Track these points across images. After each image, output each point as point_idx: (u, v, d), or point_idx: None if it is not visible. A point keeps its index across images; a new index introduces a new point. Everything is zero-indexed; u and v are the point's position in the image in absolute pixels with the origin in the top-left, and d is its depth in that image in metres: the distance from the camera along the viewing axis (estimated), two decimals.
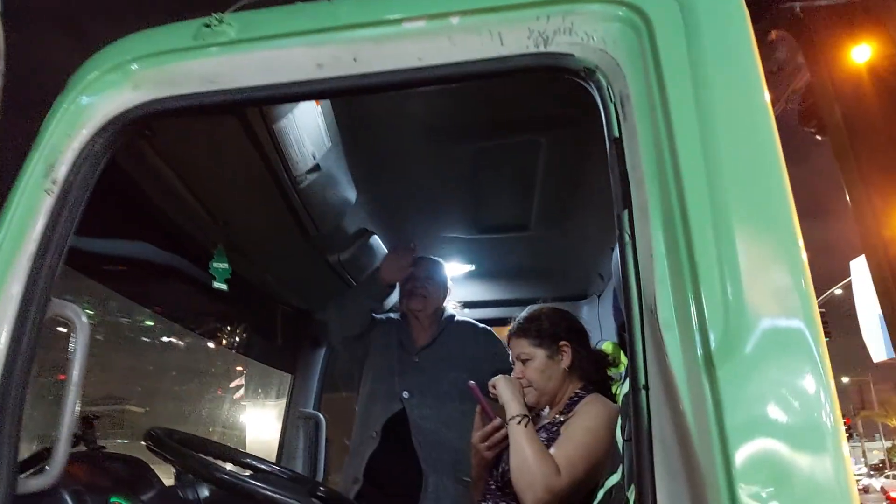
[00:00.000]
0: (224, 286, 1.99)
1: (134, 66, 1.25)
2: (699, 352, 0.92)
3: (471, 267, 2.96)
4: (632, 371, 1.02)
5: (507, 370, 2.13)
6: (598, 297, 3.06)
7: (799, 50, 1.52)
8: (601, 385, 2.06)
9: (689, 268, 0.97)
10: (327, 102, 1.68)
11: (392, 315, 2.74)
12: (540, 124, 1.89)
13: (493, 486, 1.98)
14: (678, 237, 0.99)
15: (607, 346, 2.46)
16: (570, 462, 1.75)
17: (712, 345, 0.92)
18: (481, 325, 2.69)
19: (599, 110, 1.15)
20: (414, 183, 2.20)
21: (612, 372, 2.15)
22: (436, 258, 2.68)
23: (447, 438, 2.36)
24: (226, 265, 1.99)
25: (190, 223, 1.99)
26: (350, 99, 1.70)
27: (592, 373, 2.05)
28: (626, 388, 1.44)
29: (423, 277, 2.60)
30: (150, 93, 1.24)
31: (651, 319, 0.99)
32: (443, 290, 2.65)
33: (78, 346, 1.16)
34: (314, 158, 1.72)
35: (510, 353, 2.10)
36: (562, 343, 2.00)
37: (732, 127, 1.06)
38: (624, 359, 2.47)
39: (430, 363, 2.52)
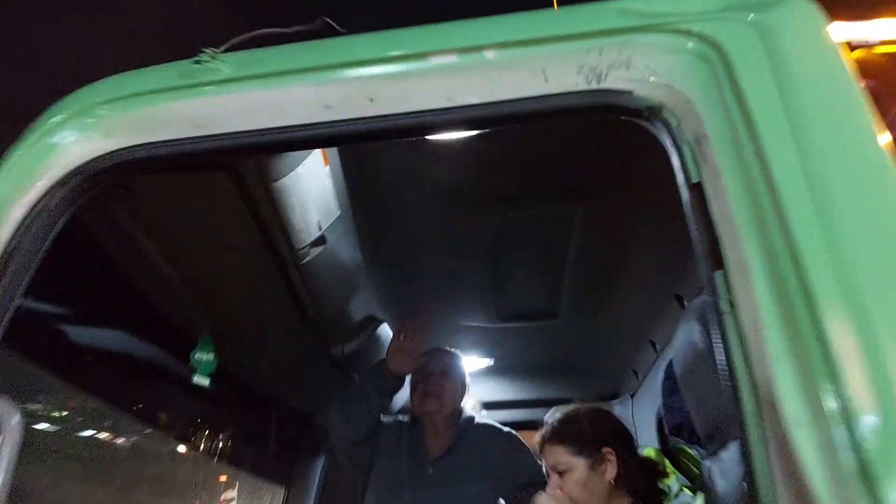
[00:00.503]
0: (206, 382, 1.72)
1: (106, 110, 1.04)
2: (850, 458, 0.66)
3: (489, 362, 2.68)
4: (750, 489, 0.74)
5: (538, 482, 1.82)
6: (632, 396, 2.75)
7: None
8: (652, 500, 1.73)
9: (815, 339, 0.72)
10: (337, 164, 1.48)
11: (401, 418, 2.42)
12: (575, 192, 1.68)
13: None
14: (793, 300, 0.74)
15: (649, 453, 2.14)
16: None
17: (868, 445, 0.65)
18: (506, 429, 2.35)
19: (670, 154, 0.94)
20: (430, 260, 1.96)
21: (661, 484, 1.83)
22: (452, 350, 2.39)
23: None
24: (210, 356, 1.72)
25: (169, 303, 1.72)
26: (362, 163, 1.51)
27: (642, 485, 1.73)
28: None
29: (439, 373, 2.28)
30: (124, 140, 1.03)
31: (771, 415, 0.72)
32: (461, 388, 2.33)
33: (3, 455, 0.89)
34: (320, 228, 1.50)
35: (543, 462, 1.79)
36: (605, 450, 1.70)
37: (841, 161, 0.84)
38: (671, 468, 2.14)
39: (447, 475, 2.17)
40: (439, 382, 2.27)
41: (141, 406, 2.00)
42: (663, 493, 1.82)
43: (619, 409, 2.80)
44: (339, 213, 1.54)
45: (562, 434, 1.73)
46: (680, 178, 0.91)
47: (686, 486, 2.04)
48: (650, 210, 1.67)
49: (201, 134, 1.01)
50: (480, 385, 2.52)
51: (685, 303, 1.97)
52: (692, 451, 2.34)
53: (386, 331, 2.29)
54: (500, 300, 2.25)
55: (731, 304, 0.81)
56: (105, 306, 1.64)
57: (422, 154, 1.51)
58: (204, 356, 1.72)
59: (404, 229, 1.78)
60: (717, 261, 0.85)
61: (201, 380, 1.69)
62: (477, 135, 1.41)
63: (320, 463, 2.81)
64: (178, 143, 1.01)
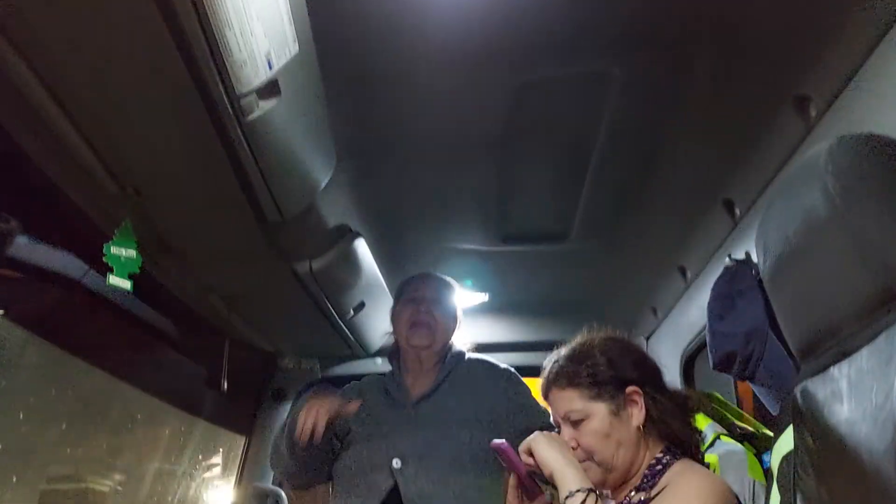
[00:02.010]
0: (127, 285, 1.32)
1: None
2: None
3: (485, 297, 2.29)
4: None
5: (543, 428, 1.47)
6: (647, 338, 2.38)
7: None
8: (689, 445, 1.37)
9: None
10: None
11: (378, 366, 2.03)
12: (613, 46, 1.28)
13: None
14: None
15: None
16: None
17: None
18: (503, 365, 1.97)
19: None
20: (420, 150, 1.56)
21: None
22: (445, 277, 2.02)
23: None
24: (132, 252, 1.32)
25: (68, 173, 1.31)
26: None
27: (677, 428, 1.36)
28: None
29: (430, 300, 1.90)
30: None
31: None
32: (453, 320, 1.96)
33: None
34: (270, 67, 1.09)
35: (551, 412, 1.43)
36: (630, 390, 1.33)
37: None
38: (708, 420, 1.79)
39: (432, 418, 1.79)
40: (430, 312, 1.90)
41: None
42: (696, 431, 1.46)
43: None
44: (296, 49, 1.12)
45: (573, 375, 1.36)
46: None
47: (723, 434, 1.69)
48: (707, 78, 1.28)
49: None
50: (473, 325, 2.13)
51: (737, 210, 1.59)
52: (722, 398, 1.98)
53: (361, 249, 1.89)
54: (503, 214, 1.85)
55: None
56: None
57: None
58: (123, 251, 1.31)
59: (389, 94, 1.36)
60: None
61: (119, 281, 1.29)
62: None
63: (286, 410, 2.44)
64: None
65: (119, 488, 1.95)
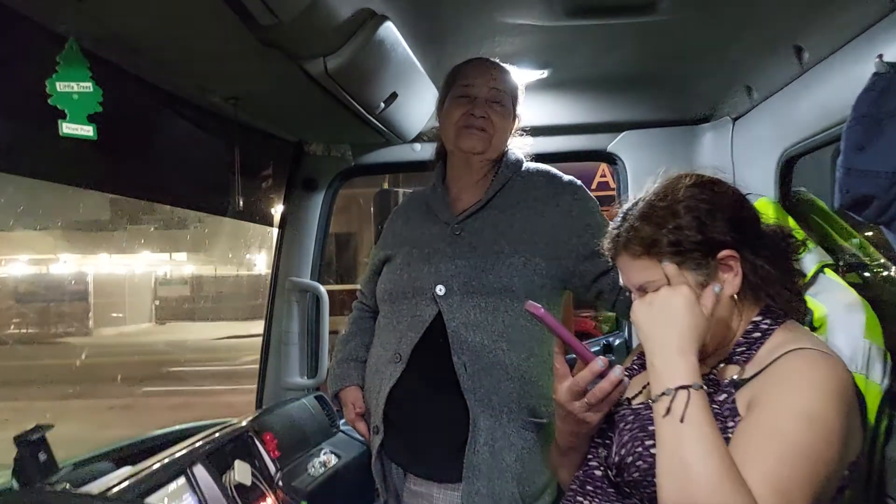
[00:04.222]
0: (89, 131, 1.02)
1: None
2: None
3: (543, 73, 1.89)
4: None
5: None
6: (735, 119, 2.00)
7: None
8: (790, 300, 1.13)
9: None
10: None
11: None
12: None
13: (597, 474, 1.16)
14: None
15: (763, 208, 1.49)
16: (780, 490, 0.89)
17: None
18: (567, 178, 1.67)
19: None
20: None
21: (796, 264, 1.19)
22: (504, 65, 1.62)
23: (507, 361, 1.51)
24: (87, 84, 0.99)
25: None
26: None
27: (776, 282, 1.12)
28: None
29: (487, 98, 1.56)
30: None
31: None
32: (512, 122, 1.62)
33: None
34: None
35: (621, 276, 1.17)
36: (724, 254, 1.05)
37: None
38: (812, 244, 1.50)
39: (480, 238, 1.56)
40: (487, 113, 1.56)
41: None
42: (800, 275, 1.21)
43: (713, 136, 2.08)
44: None
45: (650, 242, 1.06)
46: None
47: (827, 266, 1.42)
48: None
49: None
50: (528, 105, 1.77)
51: None
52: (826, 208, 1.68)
53: (390, 32, 1.48)
54: None
55: None
56: None
57: None
58: (74, 85, 0.99)
59: None
60: None
61: (77, 128, 0.99)
62: None
63: (321, 199, 2.25)
64: None
65: None
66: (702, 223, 1.05)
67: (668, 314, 1.00)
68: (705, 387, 0.97)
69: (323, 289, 2.20)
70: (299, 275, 2.21)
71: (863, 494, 1.09)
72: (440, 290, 1.54)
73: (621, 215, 1.13)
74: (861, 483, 1.02)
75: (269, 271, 2.28)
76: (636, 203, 1.12)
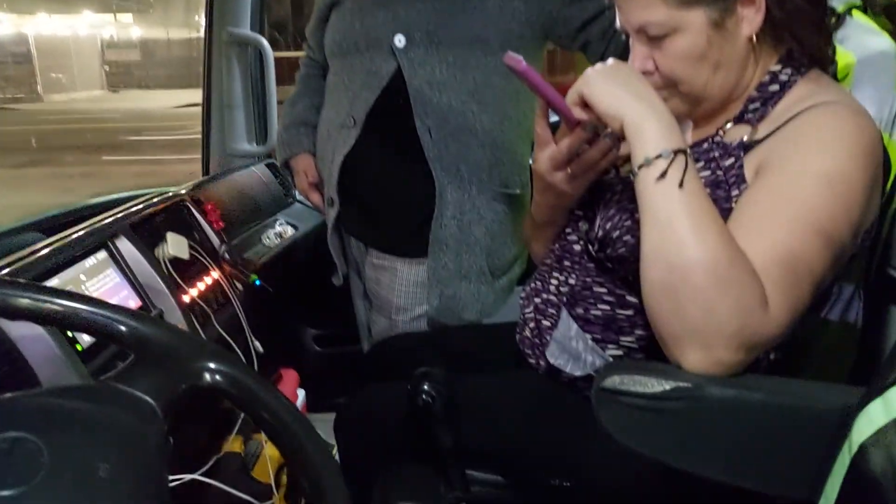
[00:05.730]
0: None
1: None
2: None
3: None
4: None
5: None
6: None
7: None
8: (819, 45, 0.93)
9: None
10: None
11: None
12: None
13: (576, 248, 1.05)
14: None
15: None
16: (787, 263, 0.77)
17: None
18: None
19: None
20: None
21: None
22: None
23: (478, 125, 1.32)
24: None
25: None
26: None
27: (807, 20, 0.90)
28: None
29: None
30: None
31: None
32: None
33: None
34: None
35: (618, 17, 0.92)
36: None
37: None
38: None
39: None
40: None
41: None
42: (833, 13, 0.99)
43: None
44: None
45: None
46: None
47: (856, 6, 1.17)
48: None
49: None
50: None
51: None
52: None
53: None
54: None
55: None
56: None
57: None
58: None
59: None
60: None
61: None
62: None
63: None
64: None
65: None
66: None
67: (628, 80, 0.81)
68: (713, 151, 0.81)
69: (266, 42, 1.89)
70: (237, 25, 1.89)
71: (866, 263, 0.99)
72: (399, 40, 1.29)
73: None
74: (866, 250, 0.91)
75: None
76: None
